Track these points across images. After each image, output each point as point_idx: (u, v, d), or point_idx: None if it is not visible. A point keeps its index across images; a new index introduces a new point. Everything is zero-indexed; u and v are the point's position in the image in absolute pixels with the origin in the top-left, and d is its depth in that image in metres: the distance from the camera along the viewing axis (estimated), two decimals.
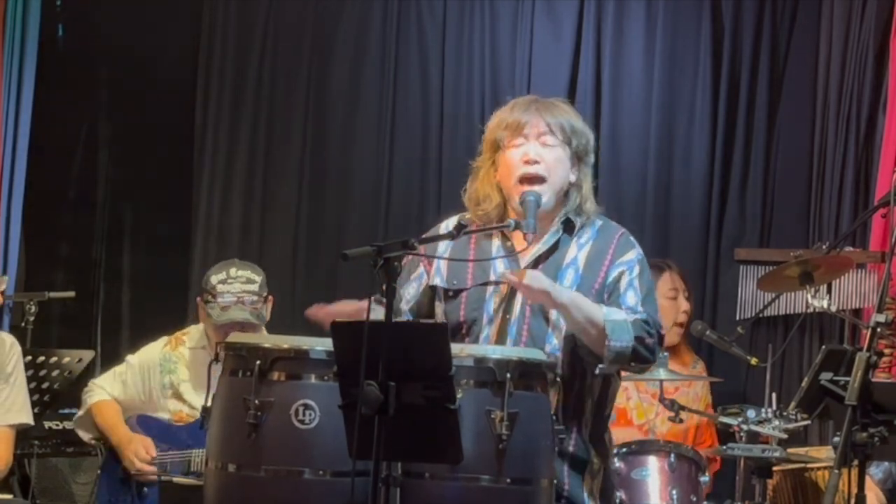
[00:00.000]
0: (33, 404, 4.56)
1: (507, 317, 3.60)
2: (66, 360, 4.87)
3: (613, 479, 4.34)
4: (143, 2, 6.44)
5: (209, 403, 3.39)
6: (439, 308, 3.71)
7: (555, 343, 3.57)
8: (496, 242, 3.68)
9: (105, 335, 6.55)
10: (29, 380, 4.56)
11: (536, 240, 3.60)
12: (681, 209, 5.85)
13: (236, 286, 4.69)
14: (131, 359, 4.89)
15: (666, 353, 4.91)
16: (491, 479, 3.16)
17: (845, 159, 5.55)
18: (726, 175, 5.82)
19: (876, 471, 4.40)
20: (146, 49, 6.43)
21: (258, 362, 3.23)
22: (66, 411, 5.30)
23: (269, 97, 6.36)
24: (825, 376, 3.56)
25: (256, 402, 3.20)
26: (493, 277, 3.64)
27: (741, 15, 5.82)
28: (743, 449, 4.51)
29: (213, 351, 3.77)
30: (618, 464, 4.57)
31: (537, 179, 3.59)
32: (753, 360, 4.90)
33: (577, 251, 3.64)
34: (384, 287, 3.08)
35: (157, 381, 4.82)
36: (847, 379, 3.31)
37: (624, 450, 4.65)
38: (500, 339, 3.58)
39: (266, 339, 3.45)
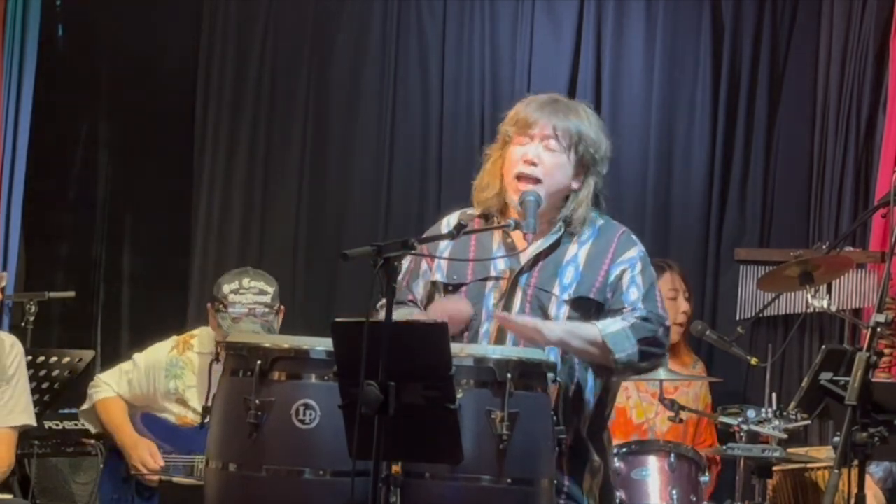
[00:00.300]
0: (33, 404, 4.56)
1: (507, 313, 3.60)
2: (66, 360, 4.87)
3: (613, 479, 4.35)
4: (143, 2, 6.44)
5: (210, 403, 3.39)
6: None
7: None
8: (497, 240, 3.69)
9: (105, 335, 6.55)
10: (29, 380, 4.56)
11: (537, 238, 3.61)
12: (681, 209, 5.85)
13: (248, 297, 4.66)
14: (138, 359, 4.88)
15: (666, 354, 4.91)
16: (491, 480, 3.16)
17: (845, 159, 5.56)
18: (726, 175, 5.82)
19: (876, 469, 4.40)
20: (146, 49, 6.43)
21: (259, 362, 3.22)
22: (66, 411, 5.30)
23: (269, 97, 6.36)
24: (825, 376, 3.57)
25: (257, 401, 3.20)
26: (493, 273, 3.65)
27: (741, 15, 5.82)
28: (743, 449, 4.51)
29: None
30: (618, 464, 4.57)
31: (531, 180, 3.60)
32: (753, 360, 4.90)
33: (578, 249, 3.65)
34: (384, 287, 3.08)
35: (162, 385, 4.82)
36: (847, 379, 3.31)
37: (624, 450, 4.66)
38: (500, 335, 3.58)
39: (266, 339, 3.45)
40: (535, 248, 3.63)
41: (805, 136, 5.72)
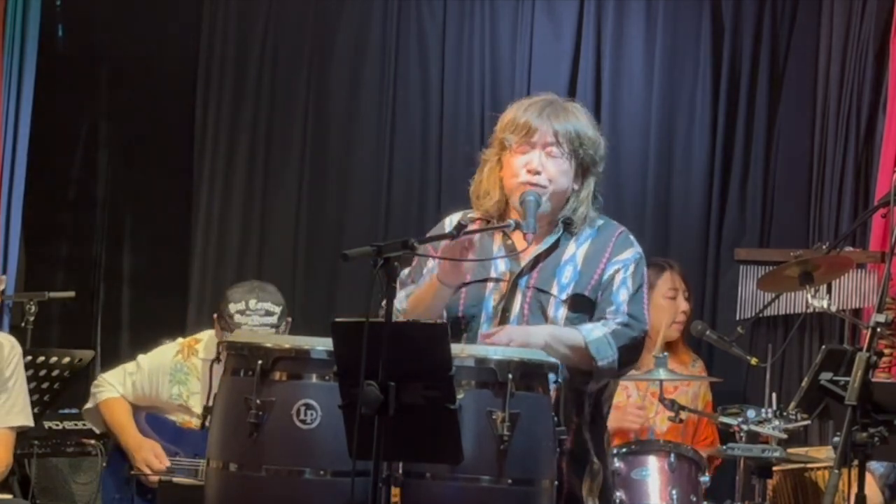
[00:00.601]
0: (33, 404, 4.56)
1: (507, 314, 3.61)
2: (66, 360, 4.86)
3: (613, 479, 4.35)
4: (143, 2, 6.44)
5: (210, 403, 3.39)
6: None
7: None
8: (497, 241, 3.69)
9: (105, 335, 6.55)
10: (29, 380, 4.56)
11: (537, 240, 3.61)
12: (681, 209, 5.85)
13: (255, 318, 4.65)
14: (142, 361, 4.87)
15: (665, 353, 4.92)
16: (492, 480, 3.16)
17: (845, 159, 5.55)
18: (726, 175, 5.82)
19: (878, 465, 4.39)
20: (146, 49, 6.43)
21: (260, 362, 3.23)
22: (66, 411, 5.30)
23: (269, 97, 6.36)
24: (825, 376, 3.57)
25: (258, 401, 3.20)
26: (493, 275, 3.65)
27: (741, 15, 5.82)
28: (743, 449, 4.51)
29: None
30: (618, 464, 4.57)
31: (537, 188, 3.60)
32: (753, 360, 4.90)
33: (576, 249, 3.66)
34: (384, 287, 3.08)
35: (166, 389, 4.81)
36: (847, 379, 3.31)
37: (624, 450, 4.65)
38: None
39: (267, 339, 3.45)
40: (536, 251, 3.64)
41: (805, 136, 5.72)
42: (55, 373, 4.84)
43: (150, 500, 4.73)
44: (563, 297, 3.60)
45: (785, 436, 4.50)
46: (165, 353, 4.86)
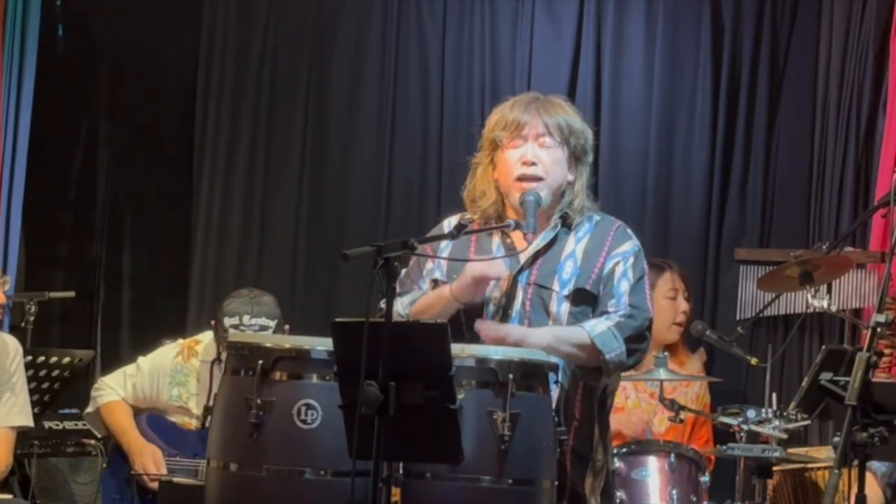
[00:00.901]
0: (33, 404, 4.56)
1: (508, 312, 3.61)
2: (66, 360, 4.87)
3: (613, 479, 4.35)
4: (143, 2, 6.44)
5: (211, 403, 3.39)
6: None
7: None
8: (496, 240, 3.70)
9: (105, 335, 6.54)
10: (29, 380, 4.56)
11: (535, 236, 3.62)
12: (681, 209, 5.85)
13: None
14: (142, 363, 4.87)
15: (666, 353, 4.92)
16: (492, 480, 3.17)
17: (845, 159, 5.55)
18: (726, 175, 5.82)
19: (879, 465, 4.39)
20: (146, 49, 6.43)
21: (260, 362, 3.23)
22: (66, 411, 5.30)
23: (269, 97, 6.36)
24: (825, 376, 3.57)
25: (258, 401, 3.20)
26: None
27: (741, 15, 5.82)
28: (743, 449, 4.51)
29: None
30: (618, 464, 4.57)
31: (534, 179, 3.62)
32: (753, 360, 4.90)
33: (576, 244, 3.67)
34: (384, 287, 3.08)
35: (166, 391, 4.81)
36: (847, 379, 3.31)
37: (624, 450, 4.66)
38: None
39: (268, 339, 3.45)
40: (534, 247, 3.64)
41: (805, 136, 5.72)
42: (55, 373, 4.85)
43: (151, 500, 4.73)
44: (566, 292, 3.60)
45: (785, 436, 4.50)
46: (165, 355, 4.86)
